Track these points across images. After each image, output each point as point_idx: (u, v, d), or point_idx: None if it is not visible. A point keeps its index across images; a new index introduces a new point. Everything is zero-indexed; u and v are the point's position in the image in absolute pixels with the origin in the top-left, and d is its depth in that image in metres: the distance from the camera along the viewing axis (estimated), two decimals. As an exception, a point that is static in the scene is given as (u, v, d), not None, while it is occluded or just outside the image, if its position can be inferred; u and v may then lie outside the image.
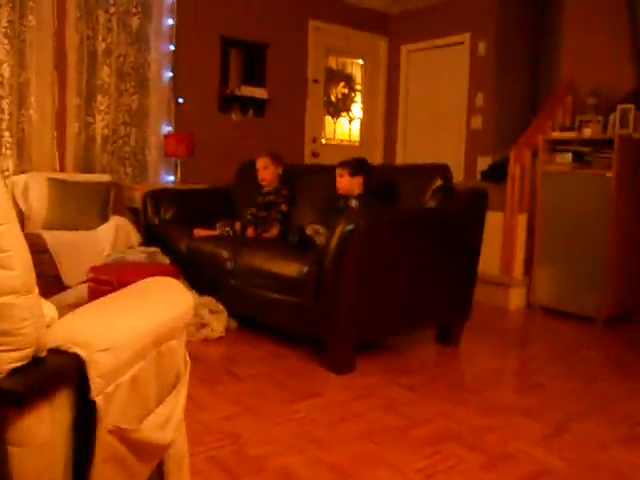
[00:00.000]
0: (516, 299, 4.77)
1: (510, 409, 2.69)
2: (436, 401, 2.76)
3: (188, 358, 1.60)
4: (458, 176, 6.18)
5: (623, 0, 4.92)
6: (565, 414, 2.66)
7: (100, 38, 5.23)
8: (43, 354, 1.12)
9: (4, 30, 4.82)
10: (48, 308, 1.20)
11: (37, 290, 1.12)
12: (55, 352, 1.15)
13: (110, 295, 1.41)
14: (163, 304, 1.45)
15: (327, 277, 3.01)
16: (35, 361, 1.11)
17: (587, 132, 4.53)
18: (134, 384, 1.28)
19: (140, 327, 1.29)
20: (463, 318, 3.64)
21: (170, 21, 5.59)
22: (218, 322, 3.58)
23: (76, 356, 1.14)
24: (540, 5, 6.40)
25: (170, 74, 5.63)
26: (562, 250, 4.55)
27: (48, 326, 1.17)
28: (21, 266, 1.05)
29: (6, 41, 4.83)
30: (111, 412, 1.21)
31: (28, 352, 1.08)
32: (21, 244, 1.06)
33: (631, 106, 4.52)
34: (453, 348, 3.62)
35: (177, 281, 1.61)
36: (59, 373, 1.14)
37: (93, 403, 1.17)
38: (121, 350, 1.20)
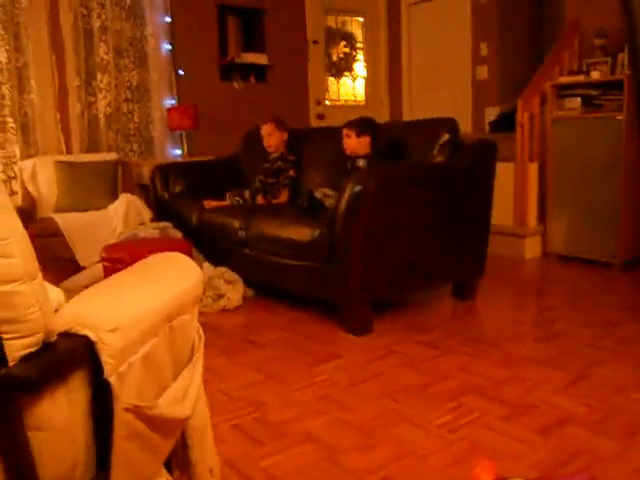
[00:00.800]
0: (531, 248, 4.73)
1: (530, 360, 2.68)
2: (455, 356, 2.75)
3: (202, 331, 1.60)
4: (466, 128, 6.09)
5: None
6: (585, 361, 2.65)
7: (94, 15, 5.16)
8: (53, 339, 1.12)
9: (-3, 14, 4.77)
10: (54, 292, 1.20)
11: (41, 275, 1.11)
12: (65, 336, 1.14)
13: (117, 274, 1.40)
14: (171, 279, 1.44)
15: (338, 239, 2.99)
16: (45, 346, 1.10)
17: (595, 75, 4.42)
18: (147, 361, 1.28)
19: (149, 304, 1.28)
20: (478, 273, 3.62)
21: (164, -8, 5.51)
22: (235, 291, 3.59)
23: (85, 338, 1.14)
24: (540, -54, 6.22)
25: (168, 46, 5.55)
26: (575, 196, 4.49)
27: (56, 310, 1.17)
28: (21, 253, 1.04)
29: (0, 26, 4.78)
30: (126, 391, 1.20)
31: (37, 338, 1.07)
32: (19, 230, 1.05)
33: None
34: (470, 302, 3.61)
35: (185, 255, 1.60)
36: (70, 356, 1.14)
37: (108, 383, 1.17)
38: (130, 329, 1.19)
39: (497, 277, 4.11)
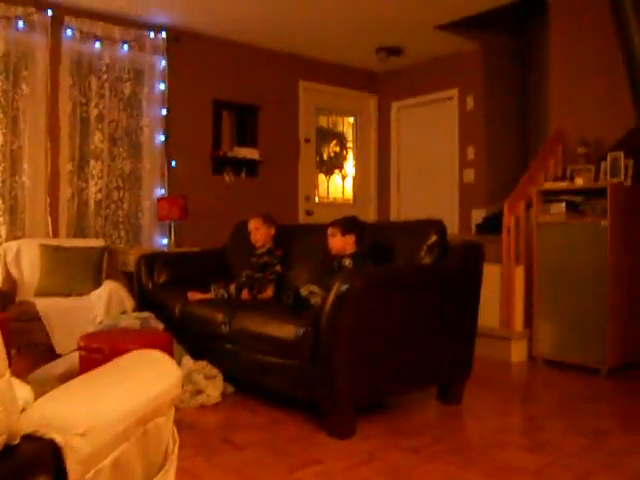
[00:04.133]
0: (518, 352, 4.67)
1: (519, 470, 2.58)
2: (441, 464, 2.64)
3: (177, 434, 1.52)
4: (453, 229, 6.16)
5: (609, 50, 4.99)
6: (576, 473, 2.54)
7: (93, 104, 5.28)
8: (16, 441, 1.05)
9: (-2, 99, 4.86)
10: (22, 390, 1.13)
11: (9, 373, 1.04)
12: (29, 439, 1.07)
13: (92, 371, 1.34)
14: (148, 380, 1.37)
15: (323, 339, 2.92)
16: (7, 450, 1.03)
17: (579, 181, 4.52)
18: (117, 468, 1.20)
19: (123, 406, 1.21)
20: (464, 376, 3.54)
21: (162, 86, 5.66)
22: (214, 388, 3.47)
23: (52, 442, 1.07)
24: (525, 59, 6.51)
25: (163, 138, 5.66)
26: (562, 301, 4.48)
27: (23, 410, 1.10)
28: (-10, 349, 0.99)
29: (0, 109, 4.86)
30: (91, 501, 1.12)
31: (-1, 441, 1.00)
32: (-10, 326, 1.00)
33: (621, 154, 4.52)
34: (455, 406, 3.51)
35: (165, 354, 1.54)
36: (33, 462, 1.06)
37: (71, 492, 1.08)
38: (101, 433, 1.12)
39: (483, 380, 4.03)
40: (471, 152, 6.41)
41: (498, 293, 4.75)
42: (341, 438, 2.94)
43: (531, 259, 4.71)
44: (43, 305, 4.13)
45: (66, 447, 1.06)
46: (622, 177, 4.47)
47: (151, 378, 1.39)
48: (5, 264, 4.60)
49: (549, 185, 4.75)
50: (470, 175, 6.42)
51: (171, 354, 2.99)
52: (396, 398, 3.60)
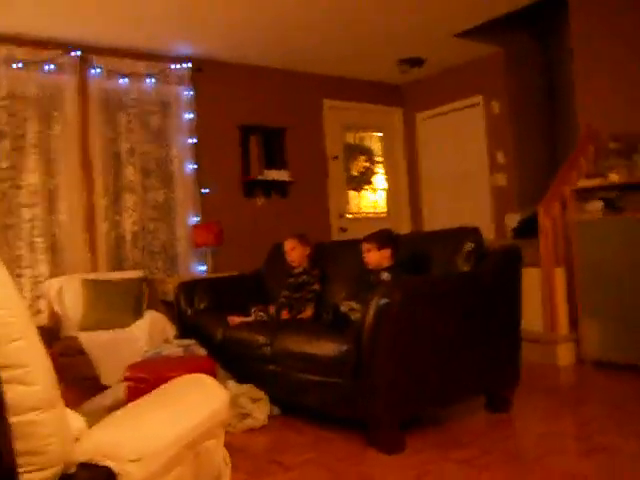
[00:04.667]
0: (565, 355, 4.59)
1: (576, 477, 2.52)
2: (494, 475, 2.60)
3: (228, 458, 1.53)
4: (489, 235, 6.09)
5: (634, 44, 4.93)
6: (636, 478, 2.48)
7: (123, 139, 5.39)
8: (73, 470, 1.07)
9: (32, 141, 4.99)
10: (75, 420, 1.16)
11: (62, 403, 1.07)
12: (85, 467, 1.09)
13: (140, 399, 1.36)
14: (196, 404, 1.39)
15: (365, 354, 2.92)
16: (64, 478, 1.05)
17: (614, 177, 4.45)
18: (171, 492, 1.21)
19: (173, 432, 1.23)
20: (512, 383, 3.49)
21: (189, 116, 5.75)
22: (260, 410, 3.48)
23: (107, 469, 1.08)
24: (549, 59, 6.46)
25: (193, 166, 5.74)
26: (607, 300, 4.40)
27: (77, 439, 1.12)
28: (42, 380, 1.01)
29: (34, 151, 4.99)
30: (148, 526, 1.13)
31: (56, 470, 1.03)
32: (41, 357, 1.02)
33: (655, 146, 4.45)
34: (505, 414, 3.45)
35: (210, 377, 1.55)
36: (90, 490, 1.08)
37: (129, 518, 1.10)
38: (154, 459, 1.14)
39: (532, 386, 3.96)
40: (501, 156, 6.36)
41: (539, 296, 4.68)
42: (390, 453, 2.91)
43: (571, 260, 4.64)
44: (87, 339, 4.20)
45: (121, 474, 1.08)
46: (657, 169, 4.39)
47: (199, 402, 1.41)
48: (49, 301, 4.69)
49: (583, 183, 4.68)
50: (501, 179, 6.37)
51: (215, 378, 3.01)
52: (445, 410, 3.56)
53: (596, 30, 5.23)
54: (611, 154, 4.86)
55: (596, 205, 4.46)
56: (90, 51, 5.26)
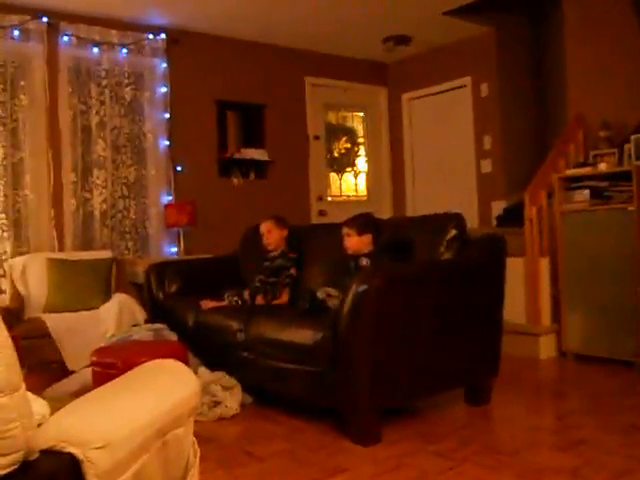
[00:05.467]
0: (546, 348, 4.66)
1: (552, 471, 2.57)
2: (471, 468, 2.64)
3: (197, 445, 1.54)
4: (473, 223, 6.14)
5: (627, 31, 4.97)
6: (613, 472, 2.53)
7: (93, 112, 5.33)
8: (34, 456, 1.07)
9: (-4, 112, 4.92)
10: (39, 405, 1.15)
11: (24, 387, 1.07)
12: (48, 453, 1.09)
13: (107, 384, 1.36)
14: (166, 390, 1.39)
15: (342, 342, 2.94)
16: (25, 465, 1.05)
17: (603, 166, 4.50)
18: (138, 481, 1.22)
19: (141, 418, 1.23)
20: (491, 374, 3.54)
21: (163, 89, 5.69)
22: (232, 398, 3.49)
23: (71, 456, 1.09)
24: (540, 41, 6.48)
25: (167, 142, 5.69)
26: (590, 292, 4.46)
27: (39, 425, 1.12)
28: (3, 363, 1.01)
29: (-2, 122, 4.92)
30: (113, 515, 1.14)
31: (16, 457, 1.02)
32: (2, 340, 1.02)
33: (645, 136, 4.50)
34: (484, 407, 3.50)
35: (180, 363, 1.56)
36: (52, 477, 1.08)
37: (93, 507, 1.10)
38: (120, 446, 1.14)
39: (512, 379, 4.02)
40: (488, 141, 6.39)
41: (523, 287, 4.74)
42: (366, 445, 2.94)
43: (556, 250, 4.70)
44: (52, 321, 4.18)
45: (85, 461, 1.08)
46: (647, 160, 4.44)
47: (168, 388, 1.41)
48: (12, 281, 4.65)
49: (571, 172, 4.73)
50: (488, 165, 6.40)
51: (186, 365, 3.01)
52: (422, 401, 3.60)
53: (588, 14, 5.26)
54: (601, 142, 4.91)
55: (583, 195, 4.51)
56: (59, 17, 5.17)
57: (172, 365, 1.53)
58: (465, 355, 3.36)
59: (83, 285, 4.56)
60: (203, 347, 3.88)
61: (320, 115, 6.94)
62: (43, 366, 4.16)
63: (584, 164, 4.82)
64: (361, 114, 7.38)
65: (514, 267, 4.46)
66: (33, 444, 1.06)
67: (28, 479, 1.04)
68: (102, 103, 5.37)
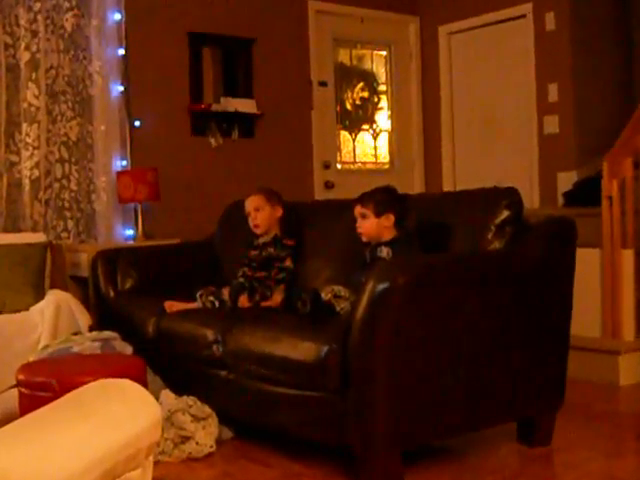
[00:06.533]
0: (629, 370, 4.66)
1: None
2: (525, 530, 2.66)
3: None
4: (532, 202, 6.15)
5: None
6: None
7: (22, 46, 5.30)
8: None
9: None
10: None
11: None
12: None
13: (38, 411, 1.38)
14: (116, 420, 1.40)
15: (355, 360, 2.94)
16: None
17: None
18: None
19: (83, 457, 1.25)
20: (554, 406, 3.55)
21: (117, 16, 5.68)
22: (205, 433, 3.51)
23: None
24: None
25: (120, 88, 5.68)
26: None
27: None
28: None
29: None
30: None
31: None
32: None
33: None
34: (542, 449, 3.51)
35: (137, 384, 1.57)
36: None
37: None
38: (56, 493, 1.16)
39: (581, 412, 4.03)
40: (553, 91, 6.37)
41: (598, 290, 4.74)
42: (384, 496, 2.97)
43: (644, 240, 4.70)
44: (-34, 326, 4.20)
45: (10, 513, 1.10)
46: None
47: (120, 417, 1.42)
48: None
49: (666, 134, 4.72)
50: (553, 124, 6.38)
51: (145, 387, 3.03)
52: (459, 439, 3.62)
53: None
54: None
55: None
56: None
57: (126, 387, 1.54)
58: (518, 380, 3.37)
59: (7, 279, 4.57)
60: (167, 363, 3.90)
61: (328, 54, 6.93)
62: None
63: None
64: (383, 53, 7.36)
65: (587, 262, 4.47)
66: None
67: None
68: (34, 34, 5.35)
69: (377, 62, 7.37)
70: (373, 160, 7.29)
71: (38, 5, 5.35)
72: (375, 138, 7.30)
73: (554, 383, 3.53)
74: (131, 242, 5.56)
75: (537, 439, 3.54)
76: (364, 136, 7.24)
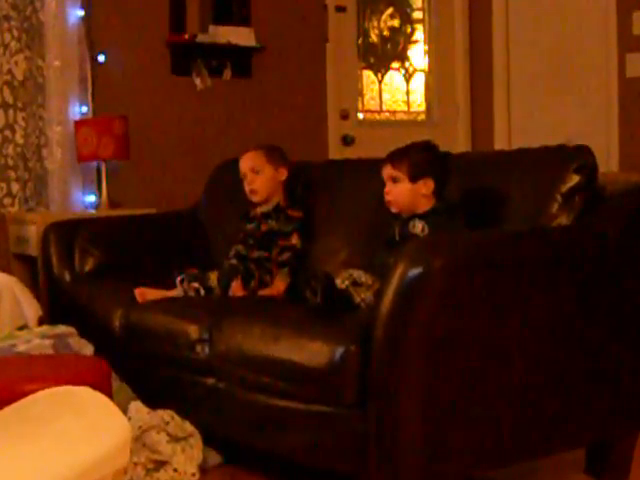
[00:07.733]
0: None
1: None
2: None
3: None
4: (610, 164, 6.13)
5: None
6: None
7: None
8: None
9: None
10: None
11: None
12: None
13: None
14: (72, 440, 1.41)
15: (379, 365, 2.95)
16: None
17: None
18: None
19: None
20: (632, 427, 3.55)
21: None
22: (186, 457, 3.53)
23: None
24: None
25: (80, 13, 5.67)
26: None
27: None
28: None
29: None
30: None
31: None
32: None
33: None
34: (619, 482, 3.53)
35: (99, 393, 1.57)
36: None
37: None
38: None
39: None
40: (638, 21, 6.34)
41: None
42: (414, 540, 2.98)
43: None
44: None
45: None
46: None
47: (76, 436, 1.43)
48: None
49: None
50: (638, 65, 6.36)
51: (109, 397, 3.04)
52: (511, 469, 3.63)
53: None
54: None
55: None
56: None
57: (84, 397, 1.55)
58: (590, 395, 3.37)
59: None
60: (138, 367, 3.91)
61: (347, -30, 6.92)
62: None
63: None
64: (419, -30, 7.35)
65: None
66: None
67: None
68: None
69: (411, -18, 7.36)
70: (405, 109, 7.28)
71: None
72: (408, 80, 7.29)
73: (634, 398, 3.52)
74: (92, 211, 5.58)
75: (612, 469, 3.55)
76: (394, 77, 7.23)
